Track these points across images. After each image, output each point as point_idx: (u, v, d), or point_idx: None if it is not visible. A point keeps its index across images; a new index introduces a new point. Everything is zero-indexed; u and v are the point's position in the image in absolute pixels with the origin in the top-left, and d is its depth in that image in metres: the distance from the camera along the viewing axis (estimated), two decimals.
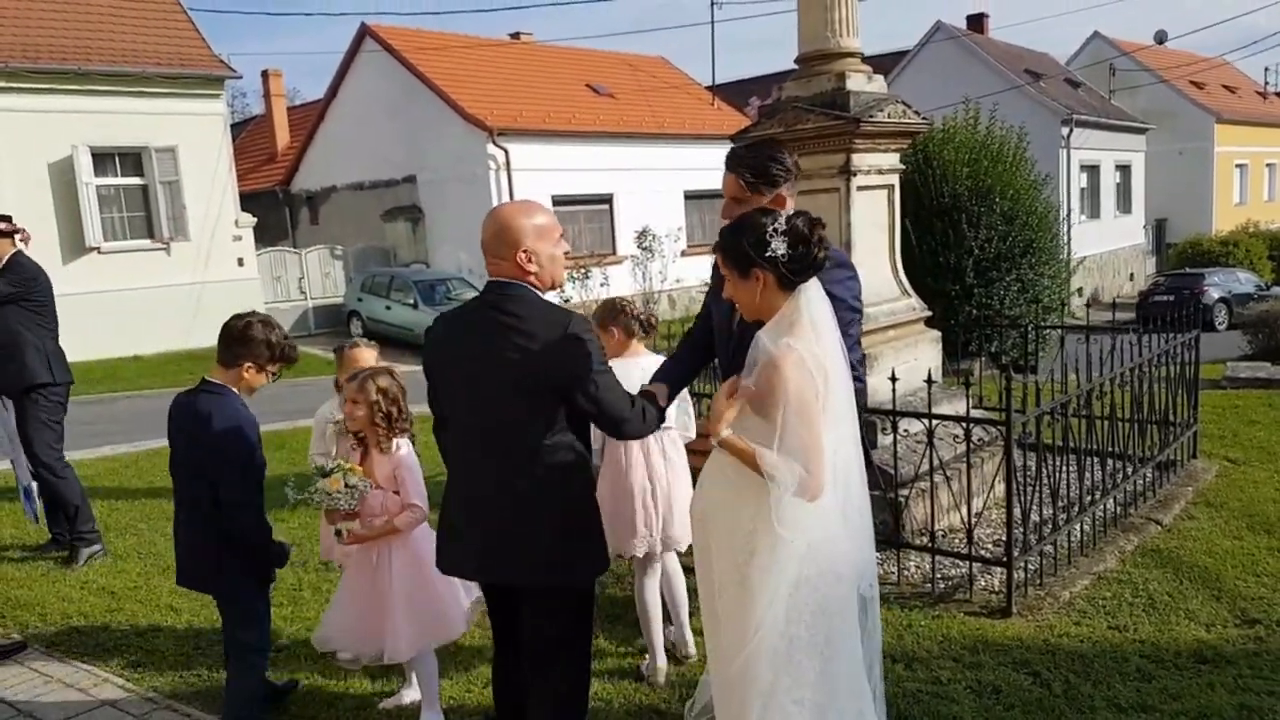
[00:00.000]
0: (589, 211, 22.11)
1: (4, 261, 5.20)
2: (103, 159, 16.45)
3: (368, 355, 4.07)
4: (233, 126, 20.47)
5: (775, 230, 2.42)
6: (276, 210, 24.27)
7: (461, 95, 20.38)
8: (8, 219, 5.24)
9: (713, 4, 25.91)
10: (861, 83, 5.28)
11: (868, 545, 2.56)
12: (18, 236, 5.27)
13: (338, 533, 3.35)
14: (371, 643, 3.39)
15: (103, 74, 16.14)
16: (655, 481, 3.66)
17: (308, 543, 5.14)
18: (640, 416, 2.81)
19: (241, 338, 3.19)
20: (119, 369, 15.20)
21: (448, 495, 2.81)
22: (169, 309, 16.54)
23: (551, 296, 2.82)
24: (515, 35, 26.24)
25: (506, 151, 19.93)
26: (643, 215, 20.81)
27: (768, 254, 2.41)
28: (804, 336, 2.40)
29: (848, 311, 2.85)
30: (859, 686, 2.51)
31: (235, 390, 3.21)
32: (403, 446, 3.45)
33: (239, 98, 42.63)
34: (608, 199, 22.16)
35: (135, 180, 16.92)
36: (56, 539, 5.67)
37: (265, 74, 27.22)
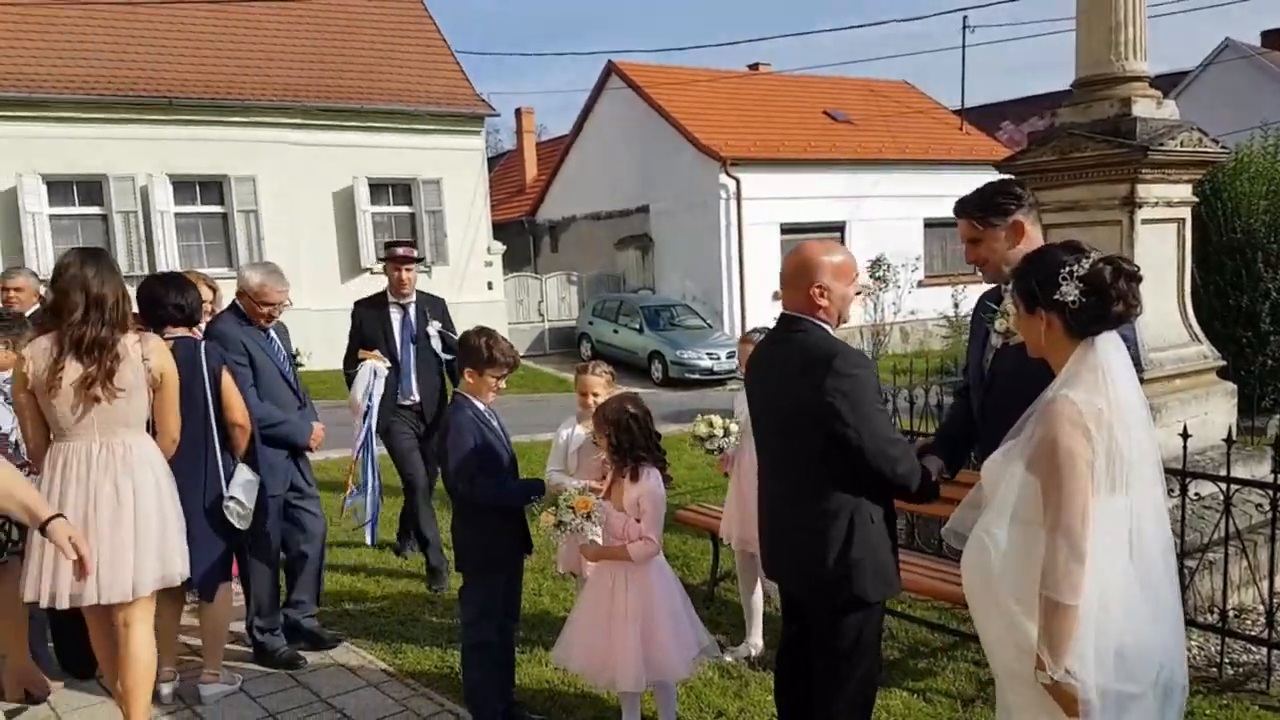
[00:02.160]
0: (820, 240, 21.65)
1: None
2: (378, 189, 18.20)
3: (597, 382, 4.19)
4: (488, 161, 22.02)
5: (1070, 273, 2.20)
6: (522, 239, 25.82)
7: (697, 126, 20.80)
8: None
9: (964, 27, 24.94)
10: (1149, 108, 4.86)
11: (1175, 626, 2.27)
12: None
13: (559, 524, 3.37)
14: (603, 669, 3.43)
15: (381, 112, 17.86)
16: None
17: (546, 550, 5.34)
18: (910, 461, 2.77)
19: (462, 346, 3.70)
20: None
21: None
22: None
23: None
24: (754, 66, 26.49)
25: (738, 181, 20.10)
26: (877, 244, 20.24)
27: (1055, 296, 2.21)
28: (1087, 389, 2.16)
29: None
30: None
31: (469, 396, 3.60)
32: (650, 477, 3.44)
33: (493, 134, 45.96)
34: (840, 227, 21.75)
35: (404, 209, 18.59)
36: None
37: (519, 111, 29.12)
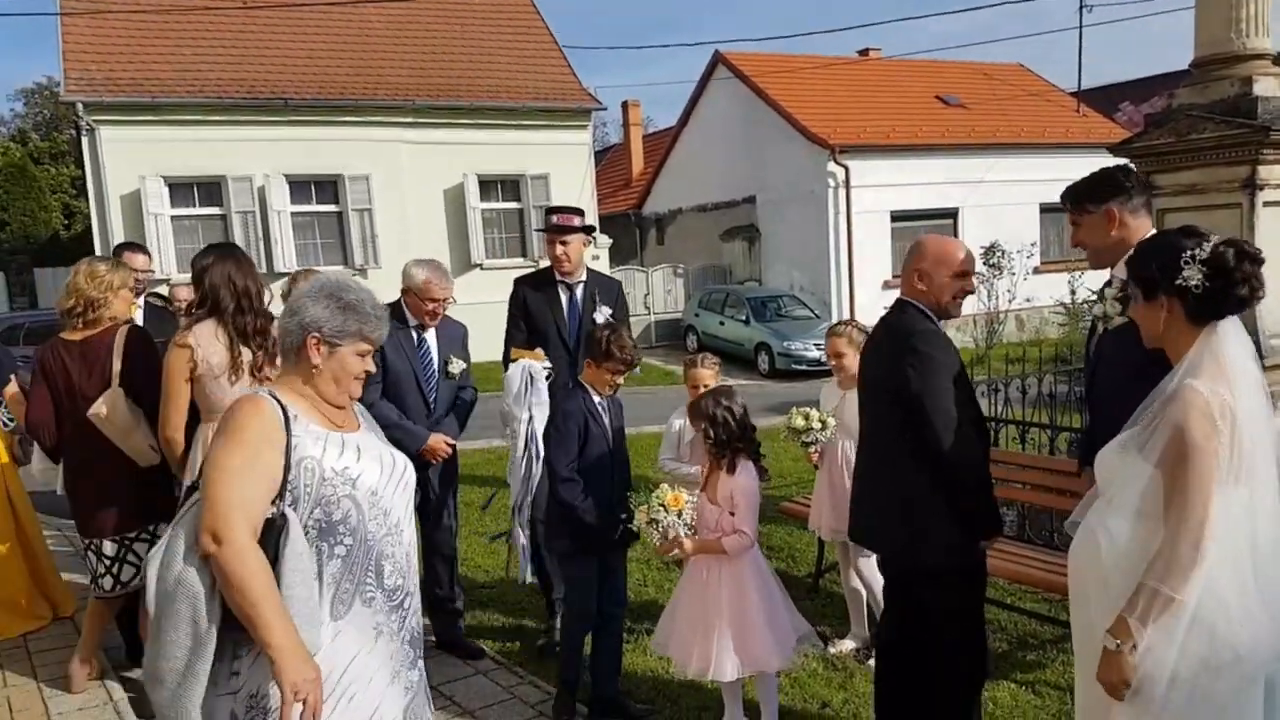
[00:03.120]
0: (930, 226, 21.30)
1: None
2: (487, 185, 18.69)
3: (705, 374, 4.34)
4: (595, 154, 22.36)
5: (1193, 256, 2.18)
6: (628, 232, 26.13)
7: (805, 115, 20.64)
8: None
9: (1081, 6, 23.94)
10: (1272, 87, 4.70)
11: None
12: None
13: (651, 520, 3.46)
14: (698, 657, 3.47)
15: (490, 109, 18.32)
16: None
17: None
18: (964, 449, 2.96)
19: (588, 337, 3.94)
20: (494, 371, 17.21)
21: None
22: None
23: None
24: (864, 52, 26.07)
25: (847, 169, 19.87)
26: (991, 230, 19.68)
27: (1177, 281, 2.18)
28: (1210, 377, 2.14)
29: None
30: None
31: (585, 385, 3.82)
32: (744, 471, 3.51)
33: (599, 127, 46.50)
34: (952, 213, 21.25)
35: (513, 205, 19.06)
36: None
37: (625, 105, 29.43)
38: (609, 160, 31.65)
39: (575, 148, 19.31)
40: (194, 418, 3.70)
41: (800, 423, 4.41)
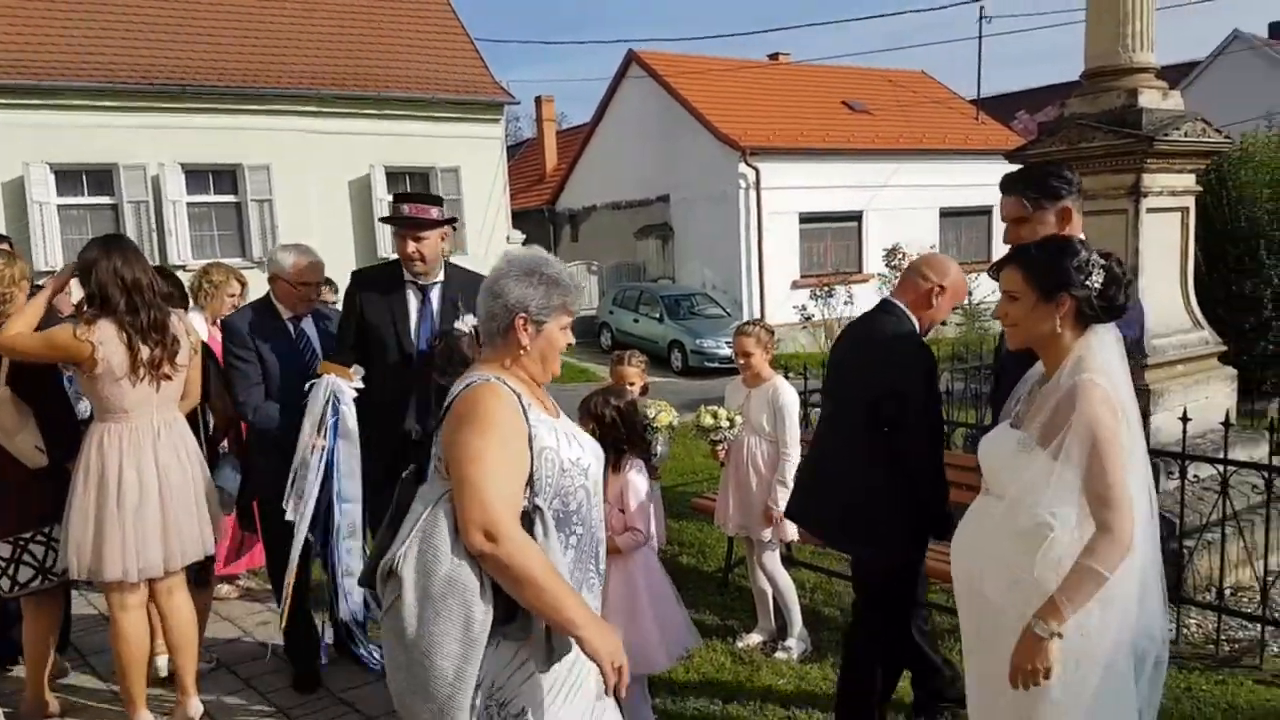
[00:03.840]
0: (836, 229, 21.89)
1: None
2: (395, 178, 18.27)
3: (632, 372, 4.32)
4: (507, 149, 22.14)
5: (1095, 262, 2.28)
6: (542, 228, 25.94)
7: (717, 116, 20.87)
8: None
9: (981, 18, 24.84)
10: (1155, 99, 4.95)
11: (1160, 604, 2.36)
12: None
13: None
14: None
15: (399, 100, 17.89)
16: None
17: None
18: (933, 443, 3.18)
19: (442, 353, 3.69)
20: None
21: None
22: None
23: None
24: (774, 56, 26.47)
25: (757, 170, 20.18)
26: (893, 233, 20.25)
27: (1086, 281, 2.26)
28: (1097, 372, 2.23)
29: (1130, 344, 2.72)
30: None
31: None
32: (635, 470, 3.47)
33: (513, 122, 46.04)
34: (857, 216, 21.82)
35: None
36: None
37: (538, 100, 29.19)
38: (522, 155, 31.38)
39: (487, 141, 19.06)
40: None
41: (709, 421, 4.44)
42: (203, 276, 5.10)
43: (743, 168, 20.16)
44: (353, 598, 3.90)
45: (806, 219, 20.87)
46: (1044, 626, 2.15)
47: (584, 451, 2.20)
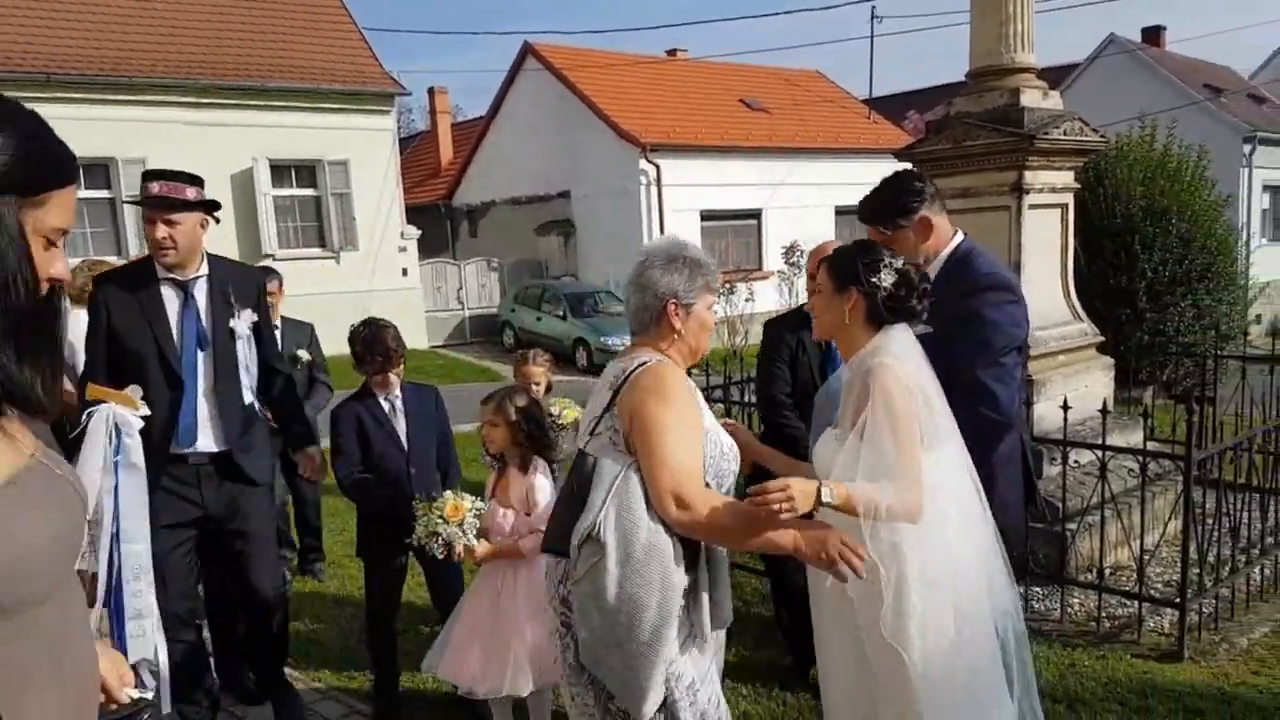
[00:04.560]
0: (737, 226, 22.18)
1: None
2: (280, 170, 17.65)
3: (537, 371, 4.23)
4: (400, 142, 21.60)
5: (889, 264, 2.40)
6: (438, 223, 25.45)
7: (616, 112, 20.85)
8: None
9: (873, 18, 25.55)
10: (1036, 99, 5.13)
11: (1007, 579, 2.44)
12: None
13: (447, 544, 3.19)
14: (491, 675, 3.22)
15: (283, 90, 17.28)
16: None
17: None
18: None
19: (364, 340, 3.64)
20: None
21: None
22: (337, 315, 17.45)
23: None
24: (671, 52, 26.61)
25: (658, 167, 20.25)
26: (792, 230, 20.66)
27: (873, 278, 2.38)
28: (893, 356, 2.34)
29: (1002, 336, 2.78)
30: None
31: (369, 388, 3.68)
32: (540, 470, 3.38)
33: (406, 114, 44.99)
34: (756, 214, 22.15)
35: (309, 191, 18.08)
36: None
37: (431, 91, 28.62)
38: (416, 148, 30.71)
39: (377, 133, 18.58)
40: None
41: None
42: (88, 271, 4.78)
43: (643, 164, 20.20)
44: (143, 641, 3.06)
45: (708, 216, 21.07)
46: (829, 491, 2.18)
47: (730, 440, 2.35)
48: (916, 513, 2.24)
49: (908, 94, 33.91)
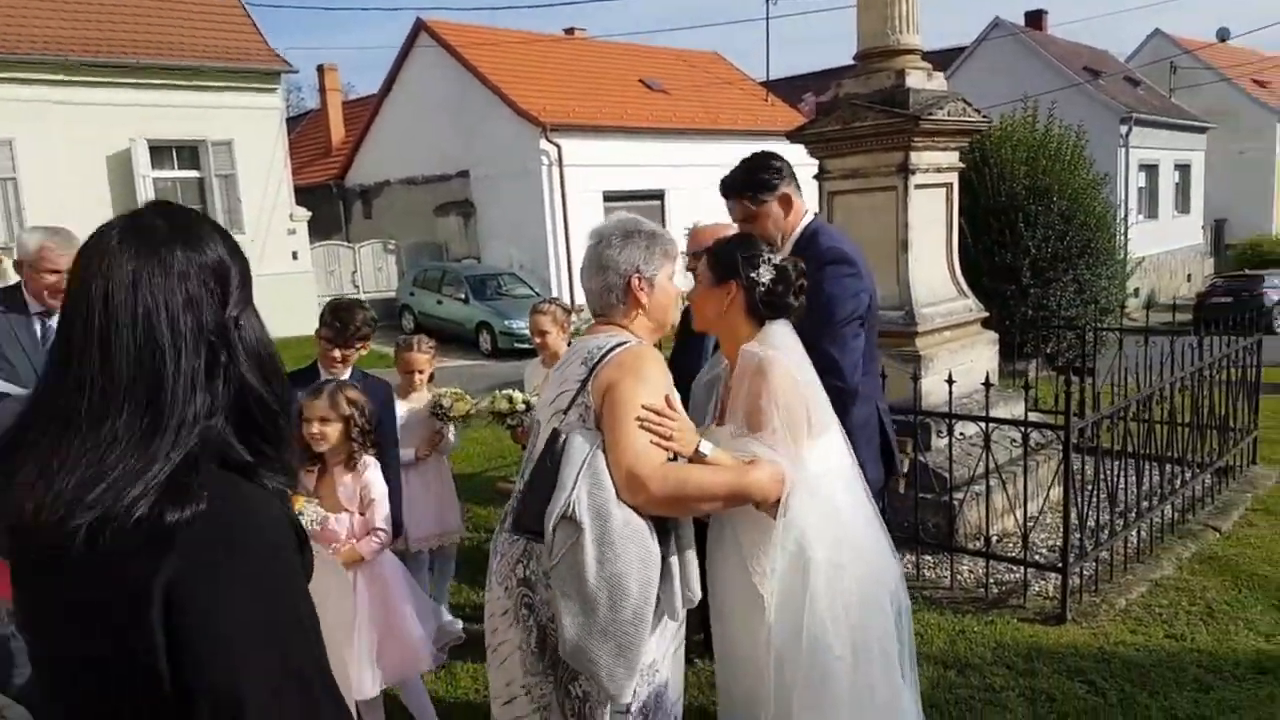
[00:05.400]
0: (641, 208, 22.11)
1: None
2: (160, 152, 16.81)
3: (421, 358, 4.13)
4: (288, 121, 20.81)
5: (768, 259, 2.44)
6: (330, 205, 24.67)
7: (515, 91, 20.52)
8: None
9: (768, 1, 25.73)
10: (921, 80, 5.23)
11: (892, 554, 2.51)
12: None
13: None
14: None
15: (161, 68, 16.43)
16: None
17: None
18: None
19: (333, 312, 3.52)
20: None
21: None
22: None
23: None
24: (569, 31, 26.35)
25: (559, 147, 20.03)
26: (694, 211, 20.68)
27: (752, 273, 2.42)
28: (784, 350, 2.38)
29: (843, 308, 2.92)
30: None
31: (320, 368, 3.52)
32: (370, 468, 3.18)
33: (294, 92, 43.42)
34: (659, 195, 22.16)
35: (192, 173, 17.29)
36: None
37: (320, 68, 27.67)
38: (305, 127, 29.67)
39: (264, 112, 17.83)
40: None
41: (504, 405, 4.25)
42: None
43: (544, 144, 19.95)
44: None
45: (610, 197, 20.95)
46: (706, 445, 2.23)
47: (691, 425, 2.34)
48: (775, 490, 2.25)
49: (805, 76, 34.45)
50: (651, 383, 2.17)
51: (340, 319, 3.47)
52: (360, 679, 3.00)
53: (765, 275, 2.42)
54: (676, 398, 2.24)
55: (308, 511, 2.96)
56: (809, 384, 2.40)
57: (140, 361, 1.08)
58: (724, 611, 2.50)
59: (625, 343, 2.24)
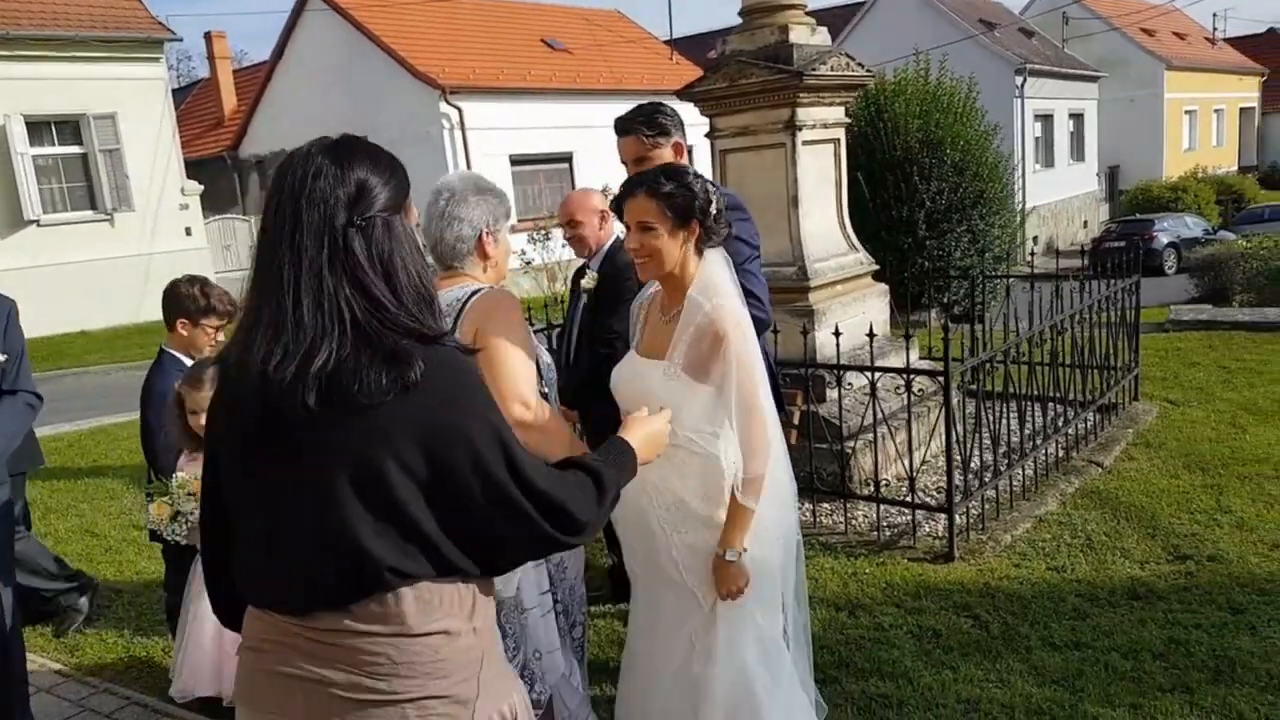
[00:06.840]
0: (549, 170, 21.90)
1: None
2: (38, 128, 15.94)
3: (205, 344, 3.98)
4: (177, 91, 19.86)
5: (711, 188, 2.36)
6: (225, 176, 23.72)
7: (411, 53, 19.96)
8: None
9: None
10: (805, 35, 5.24)
11: (794, 495, 2.58)
12: None
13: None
14: (219, 680, 3.08)
15: (33, 38, 15.54)
16: None
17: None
18: None
19: (169, 296, 3.38)
20: (64, 345, 14.80)
21: None
22: (115, 282, 16.14)
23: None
24: None
25: (460, 110, 19.60)
26: (604, 173, 20.58)
27: (710, 209, 2.33)
28: (722, 294, 2.32)
29: (747, 248, 3.03)
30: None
31: (175, 353, 3.36)
32: None
33: (183, 61, 41.47)
34: (567, 157, 21.92)
35: (74, 149, 16.43)
36: None
37: (209, 35, 26.46)
38: (195, 97, 28.38)
39: (147, 83, 17.00)
40: None
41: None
42: None
43: (444, 107, 19.49)
44: None
45: (517, 161, 20.65)
46: (734, 552, 2.31)
47: (549, 358, 2.55)
48: (765, 460, 2.31)
49: (710, 34, 34.34)
50: (517, 320, 2.38)
51: (205, 292, 3.36)
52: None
53: (716, 205, 2.36)
54: (534, 339, 2.43)
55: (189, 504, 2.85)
56: (750, 325, 2.37)
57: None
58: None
59: (482, 289, 2.42)
